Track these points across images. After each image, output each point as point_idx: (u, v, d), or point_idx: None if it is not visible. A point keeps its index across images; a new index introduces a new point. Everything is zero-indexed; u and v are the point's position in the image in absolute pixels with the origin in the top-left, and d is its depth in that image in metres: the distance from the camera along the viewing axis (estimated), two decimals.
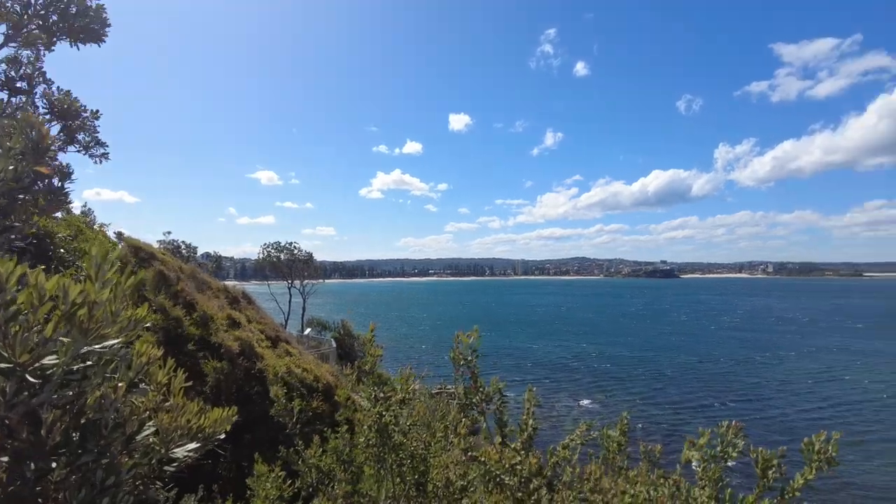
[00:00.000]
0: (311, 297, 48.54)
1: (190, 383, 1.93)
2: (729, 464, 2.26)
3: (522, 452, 2.42)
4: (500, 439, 2.53)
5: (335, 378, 11.00)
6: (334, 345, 32.74)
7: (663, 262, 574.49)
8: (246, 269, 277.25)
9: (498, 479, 2.33)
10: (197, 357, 8.95)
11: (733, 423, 2.31)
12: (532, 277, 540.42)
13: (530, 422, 2.56)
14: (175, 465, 2.09)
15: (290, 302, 45.22)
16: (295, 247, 47.67)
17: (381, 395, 2.81)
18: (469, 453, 2.54)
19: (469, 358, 2.63)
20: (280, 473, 3.18)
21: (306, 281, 48.57)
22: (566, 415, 33.62)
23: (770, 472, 2.03)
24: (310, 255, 49.21)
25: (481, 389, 2.64)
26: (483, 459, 2.41)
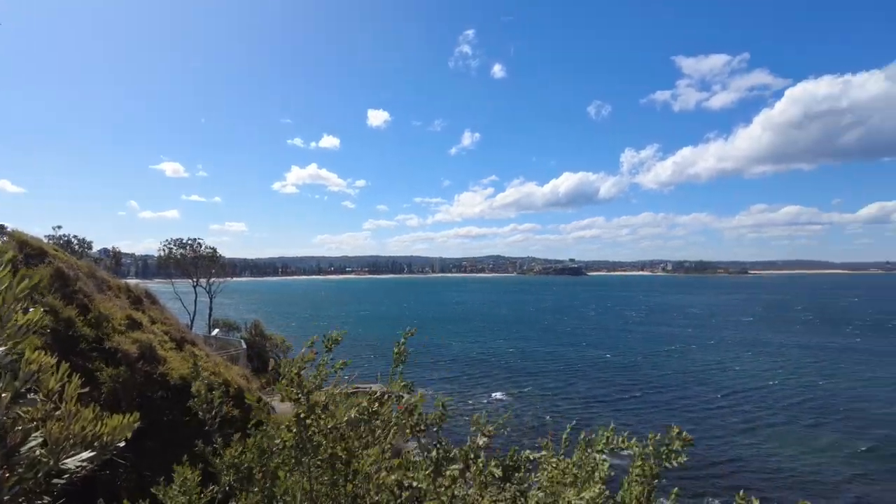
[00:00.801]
0: (219, 297, 46.36)
1: (86, 389, 1.80)
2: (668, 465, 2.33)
3: (459, 480, 2.46)
4: (434, 468, 2.54)
5: (246, 381, 10.57)
6: (244, 346, 31.47)
7: (572, 260, 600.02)
8: (148, 267, 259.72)
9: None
10: (92, 361, 8.29)
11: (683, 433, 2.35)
12: (449, 275, 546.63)
13: (471, 454, 2.59)
14: (66, 477, 1.93)
15: (195, 301, 42.94)
16: (199, 243, 45.30)
17: (303, 396, 2.76)
18: (404, 482, 2.54)
19: (400, 383, 2.68)
20: (196, 476, 3.03)
21: (213, 279, 46.30)
22: (479, 409, 34.36)
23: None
24: (214, 252, 46.94)
25: (418, 416, 2.67)
26: (415, 484, 2.43)
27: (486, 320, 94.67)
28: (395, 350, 2.92)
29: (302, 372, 2.87)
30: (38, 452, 1.85)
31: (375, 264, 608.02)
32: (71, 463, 1.97)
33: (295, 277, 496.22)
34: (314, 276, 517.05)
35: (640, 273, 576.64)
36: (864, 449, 27.36)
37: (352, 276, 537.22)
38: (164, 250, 44.35)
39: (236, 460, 3.14)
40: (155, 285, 25.89)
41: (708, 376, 45.09)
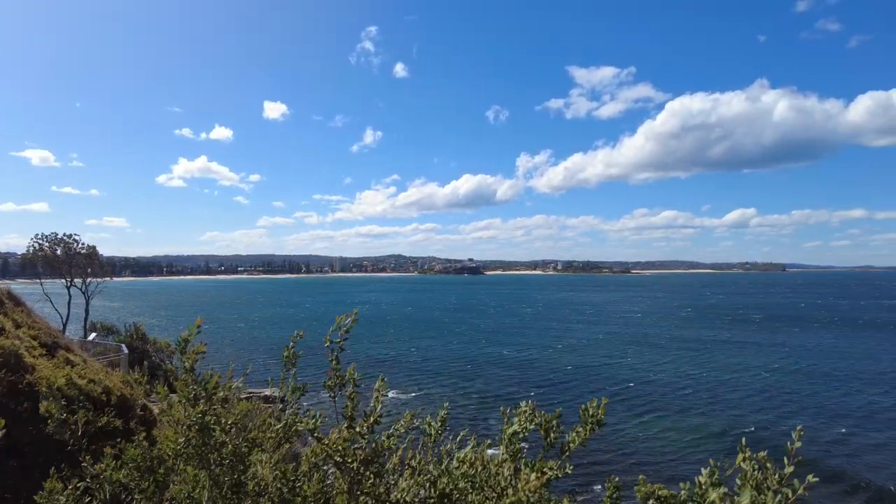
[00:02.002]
0: (96, 298, 42.32)
1: None
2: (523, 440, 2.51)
3: (367, 435, 2.47)
4: (347, 423, 2.55)
5: (129, 388, 9.75)
6: (126, 350, 29.01)
7: (470, 259, 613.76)
8: (9, 266, 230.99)
9: (337, 460, 2.35)
10: None
11: (530, 402, 2.58)
12: (350, 275, 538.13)
13: (378, 407, 2.62)
14: None
15: (69, 303, 38.94)
16: (74, 239, 41.09)
17: (203, 393, 2.64)
18: (315, 434, 2.52)
19: (338, 340, 2.64)
20: (73, 490, 2.77)
21: (90, 279, 42.23)
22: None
23: (551, 432, 2.32)
24: (93, 249, 42.90)
25: (338, 373, 2.66)
26: (325, 442, 2.42)
27: (388, 321, 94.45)
28: (285, 353, 2.85)
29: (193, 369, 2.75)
30: None
31: (270, 263, 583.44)
32: None
33: (181, 277, 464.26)
34: (202, 276, 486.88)
35: (534, 272, 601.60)
36: (717, 431, 30.50)
37: (244, 275, 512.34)
38: (33, 246, 39.72)
39: (116, 475, 2.90)
40: (19, 286, 23.14)
41: (599, 370, 48.10)
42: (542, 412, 2.46)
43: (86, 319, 39.69)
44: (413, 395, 38.77)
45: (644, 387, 41.11)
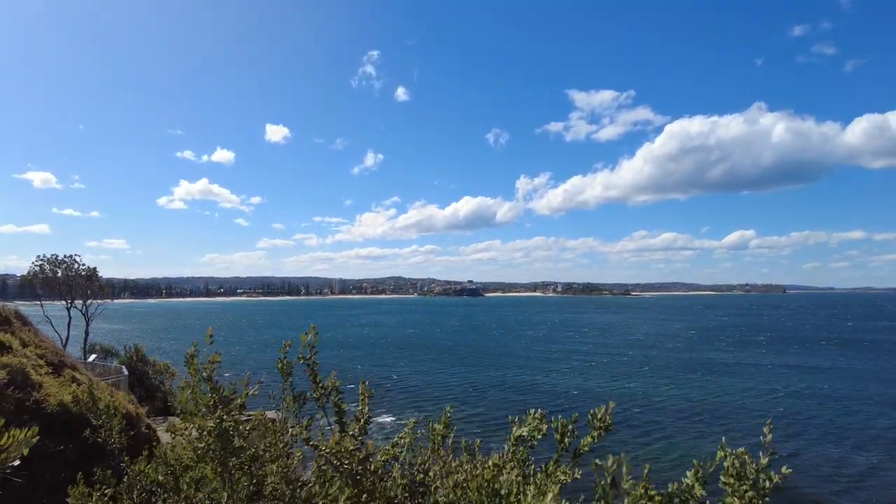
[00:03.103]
0: (95, 320, 42.30)
1: None
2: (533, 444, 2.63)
3: (360, 438, 2.61)
4: (339, 428, 2.68)
5: (135, 406, 9.82)
6: (126, 372, 28.97)
7: (470, 281, 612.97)
8: (8, 287, 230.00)
9: (335, 464, 2.48)
10: None
11: (538, 411, 2.71)
12: (349, 296, 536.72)
13: (365, 410, 2.76)
14: None
15: (69, 325, 38.96)
16: (75, 260, 41.24)
17: (222, 400, 2.79)
18: (310, 442, 2.65)
19: (308, 356, 2.79)
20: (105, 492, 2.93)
21: (90, 301, 42.28)
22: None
23: (566, 437, 2.45)
24: (93, 271, 43.04)
25: (320, 385, 2.78)
26: (321, 447, 2.55)
27: (390, 343, 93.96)
28: (279, 364, 2.95)
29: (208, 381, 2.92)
30: None
31: (269, 285, 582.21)
32: None
33: (180, 299, 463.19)
34: (201, 298, 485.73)
35: (533, 294, 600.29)
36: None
37: (243, 297, 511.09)
38: (35, 267, 39.87)
39: (154, 474, 3.09)
40: (19, 307, 23.23)
41: (604, 394, 47.68)
42: (559, 417, 2.57)
43: (85, 341, 39.64)
44: (413, 420, 38.38)
45: (651, 411, 40.67)
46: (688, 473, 1.96)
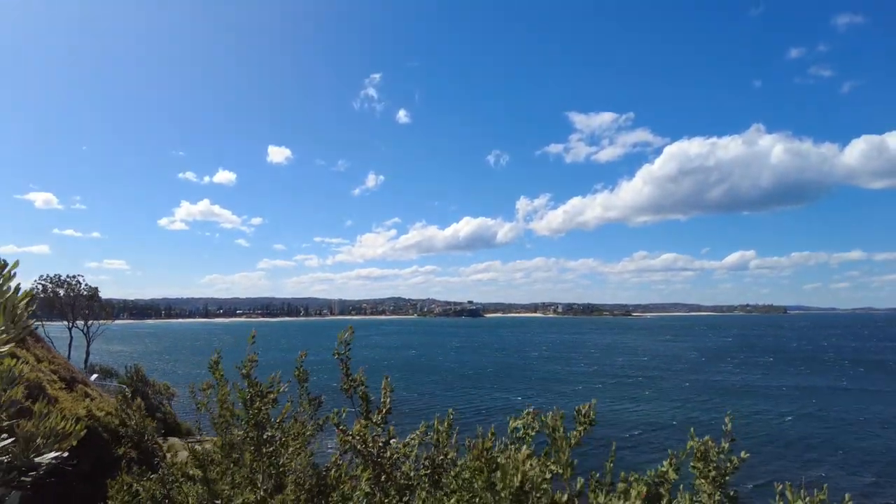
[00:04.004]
0: (96, 341, 42.35)
1: None
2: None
3: (382, 425, 2.86)
4: (364, 415, 2.95)
5: (144, 421, 9.93)
6: (127, 391, 28.93)
7: (470, 302, 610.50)
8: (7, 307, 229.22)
9: (359, 448, 2.74)
10: None
11: (532, 409, 2.95)
12: (349, 317, 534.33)
13: (388, 401, 3.02)
14: (33, 474, 2.10)
15: (70, 345, 39.00)
16: (78, 281, 41.44)
17: (259, 393, 3.03)
18: (340, 427, 2.90)
19: (343, 351, 3.01)
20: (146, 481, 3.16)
21: (91, 321, 42.37)
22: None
23: (556, 431, 2.70)
24: (95, 291, 43.19)
25: (349, 377, 3.06)
26: (349, 432, 2.82)
27: (393, 363, 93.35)
28: (296, 373, 3.36)
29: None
30: (12, 448, 2.04)
31: (269, 306, 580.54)
32: (41, 459, 2.15)
33: (179, 320, 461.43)
34: (201, 319, 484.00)
35: (534, 315, 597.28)
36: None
37: (242, 318, 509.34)
38: (37, 287, 40.01)
39: (184, 468, 3.33)
40: None
41: (610, 415, 47.14)
42: (550, 411, 2.83)
43: (86, 361, 39.67)
44: (424, 424, 37.90)
45: (658, 433, 40.13)
46: (663, 462, 2.33)
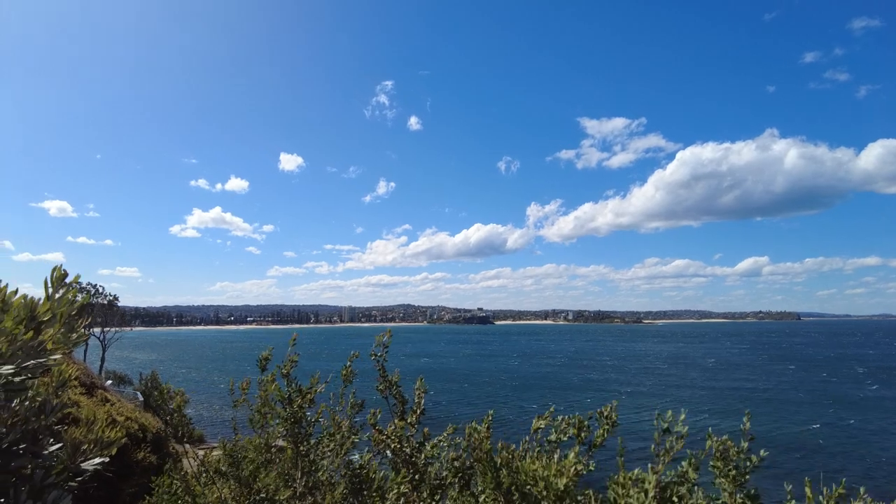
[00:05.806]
0: (111, 348, 42.67)
1: None
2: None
3: (417, 425, 2.99)
4: (399, 415, 2.95)
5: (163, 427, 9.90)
6: (141, 398, 29.14)
7: (480, 309, 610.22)
8: None
9: (393, 448, 2.72)
10: None
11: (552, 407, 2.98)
12: (358, 324, 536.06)
13: (421, 402, 3.13)
14: (79, 479, 2.06)
15: (85, 352, 39.31)
16: (97, 288, 41.85)
17: (299, 391, 3.05)
18: (376, 427, 2.89)
19: (380, 353, 3.23)
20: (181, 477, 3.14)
21: (107, 328, 42.73)
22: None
23: (582, 432, 2.78)
24: (114, 299, 43.63)
25: (386, 378, 3.06)
26: (385, 432, 2.92)
27: (405, 374, 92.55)
28: (343, 372, 3.50)
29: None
30: (60, 454, 2.01)
31: (280, 313, 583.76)
32: (87, 465, 2.10)
33: (191, 327, 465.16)
34: (212, 326, 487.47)
35: (544, 322, 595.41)
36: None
37: (253, 325, 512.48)
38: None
39: (217, 465, 3.34)
40: None
41: (632, 426, 46.57)
42: (576, 414, 2.90)
43: (101, 368, 39.96)
44: (453, 426, 37.62)
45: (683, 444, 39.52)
46: (683, 462, 2.35)
